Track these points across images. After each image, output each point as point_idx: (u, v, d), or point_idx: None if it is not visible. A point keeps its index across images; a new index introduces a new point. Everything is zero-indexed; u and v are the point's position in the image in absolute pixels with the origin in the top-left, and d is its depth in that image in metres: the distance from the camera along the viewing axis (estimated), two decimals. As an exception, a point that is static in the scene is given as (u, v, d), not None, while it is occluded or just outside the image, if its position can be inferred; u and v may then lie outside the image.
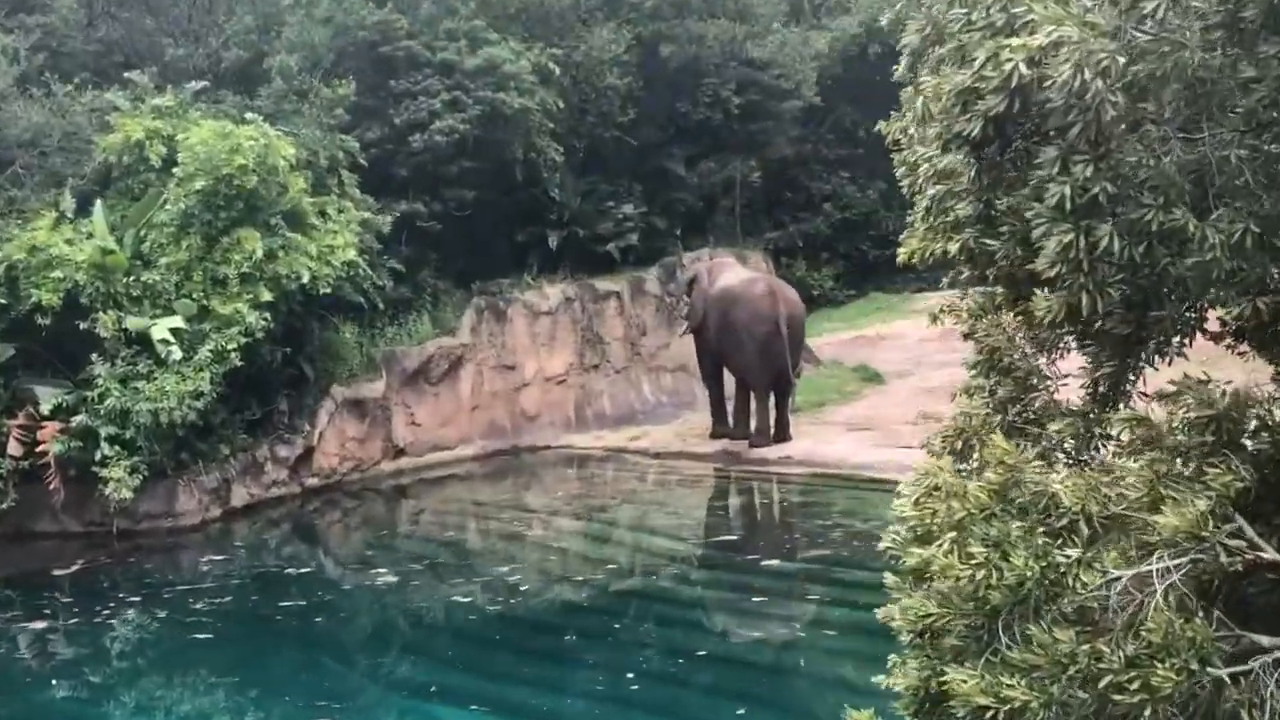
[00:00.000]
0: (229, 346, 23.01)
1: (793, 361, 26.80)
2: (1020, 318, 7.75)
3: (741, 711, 14.19)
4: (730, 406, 28.02)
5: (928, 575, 6.75)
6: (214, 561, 21.88)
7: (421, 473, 28.00)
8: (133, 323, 22.93)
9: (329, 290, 24.33)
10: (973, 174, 7.21)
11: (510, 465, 28.99)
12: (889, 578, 7.00)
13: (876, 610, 6.94)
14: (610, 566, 20.67)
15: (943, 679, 6.44)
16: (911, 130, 8.15)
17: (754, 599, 18.35)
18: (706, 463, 27.33)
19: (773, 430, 26.96)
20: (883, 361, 33.04)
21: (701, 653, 16.13)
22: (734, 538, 21.63)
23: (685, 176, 33.25)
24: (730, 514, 24.29)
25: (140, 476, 22.44)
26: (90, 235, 23.46)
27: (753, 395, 27.17)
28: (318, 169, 25.74)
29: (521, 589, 19.14)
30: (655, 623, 17.82)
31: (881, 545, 6.95)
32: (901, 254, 8.52)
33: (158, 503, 23.44)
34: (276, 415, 25.71)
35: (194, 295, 23.48)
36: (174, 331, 22.77)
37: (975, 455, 7.47)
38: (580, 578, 19.95)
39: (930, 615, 6.70)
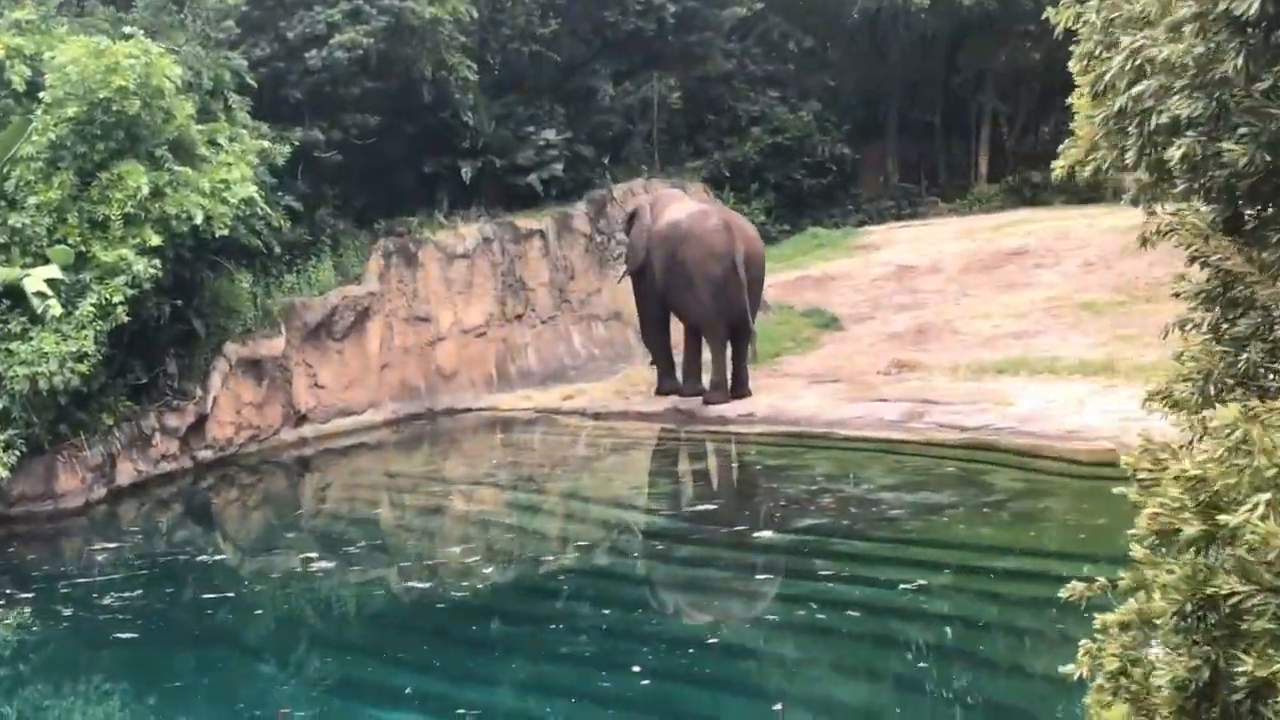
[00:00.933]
0: (114, 300, 21.50)
1: (751, 306, 25.91)
2: (1241, 240, 7.01)
3: None
4: (679, 359, 27.24)
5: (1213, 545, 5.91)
6: (106, 550, 20.37)
7: (326, 442, 26.76)
8: (1, 274, 21.48)
9: (225, 232, 22.85)
10: (1239, 62, 6.37)
11: (426, 431, 27.85)
12: (1136, 549, 6.09)
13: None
14: (578, 544, 19.65)
15: (1239, 668, 5.59)
16: (1093, 19, 7.46)
17: (756, 577, 17.50)
18: (655, 423, 26.45)
19: (729, 385, 26.21)
20: (837, 305, 32.37)
21: (712, 641, 15.16)
22: (711, 507, 20.61)
23: (614, 97, 32.22)
24: (697, 481, 23.27)
25: (16, 454, 20.91)
26: (-55, 172, 21.96)
27: (706, 345, 26.25)
28: (201, 92, 24.39)
29: (468, 574, 17.96)
30: (644, 610, 16.83)
31: (1136, 507, 6.05)
32: (1059, 166, 7.88)
33: (35, 482, 21.84)
34: (164, 379, 24.30)
35: (70, 240, 21.91)
36: (50, 283, 21.20)
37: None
38: (543, 557, 18.98)
39: (1231, 593, 5.83)
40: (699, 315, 26.10)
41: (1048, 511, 18.71)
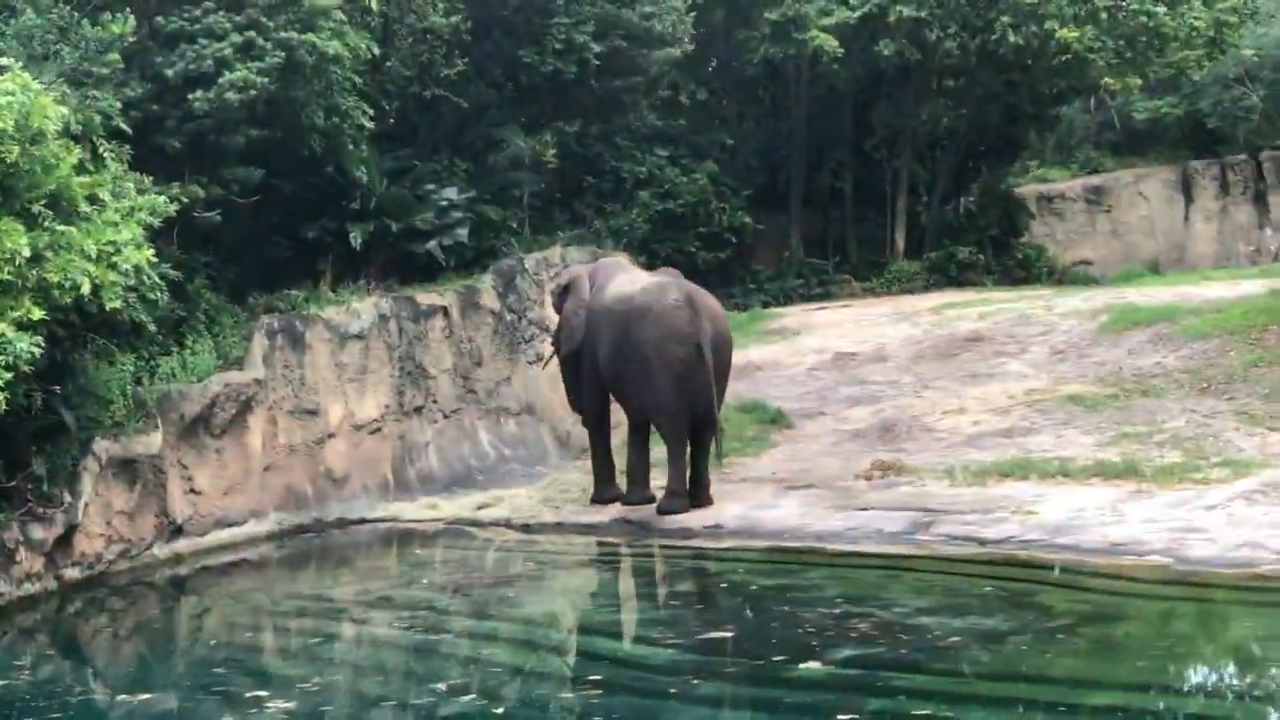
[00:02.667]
0: (-10, 384, 21.03)
1: (718, 396, 26.02)
2: None
3: None
4: (619, 461, 27.21)
5: None
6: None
7: (203, 558, 26.02)
8: None
9: (116, 304, 22.31)
10: None
11: (315, 547, 27.24)
12: None
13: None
14: (564, 680, 19.32)
15: None
16: None
17: (820, 720, 17.32)
18: (600, 536, 26.20)
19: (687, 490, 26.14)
20: (774, 398, 32.68)
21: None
22: (723, 635, 20.38)
23: (522, 150, 32.22)
24: (688, 604, 22.87)
25: (-126, 572, 20.29)
26: None
27: (666, 443, 26.15)
28: (67, 137, 23.93)
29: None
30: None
31: None
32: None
33: (-117, 609, 21.17)
34: (25, 482, 23.71)
35: (-71, 312, 21.42)
36: (-84, 363, 20.63)
37: None
38: (527, 698, 18.63)
39: None
40: (656, 408, 25.88)
41: (1130, 638, 18.71)
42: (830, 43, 41.85)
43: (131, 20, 24.64)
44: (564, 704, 17.84)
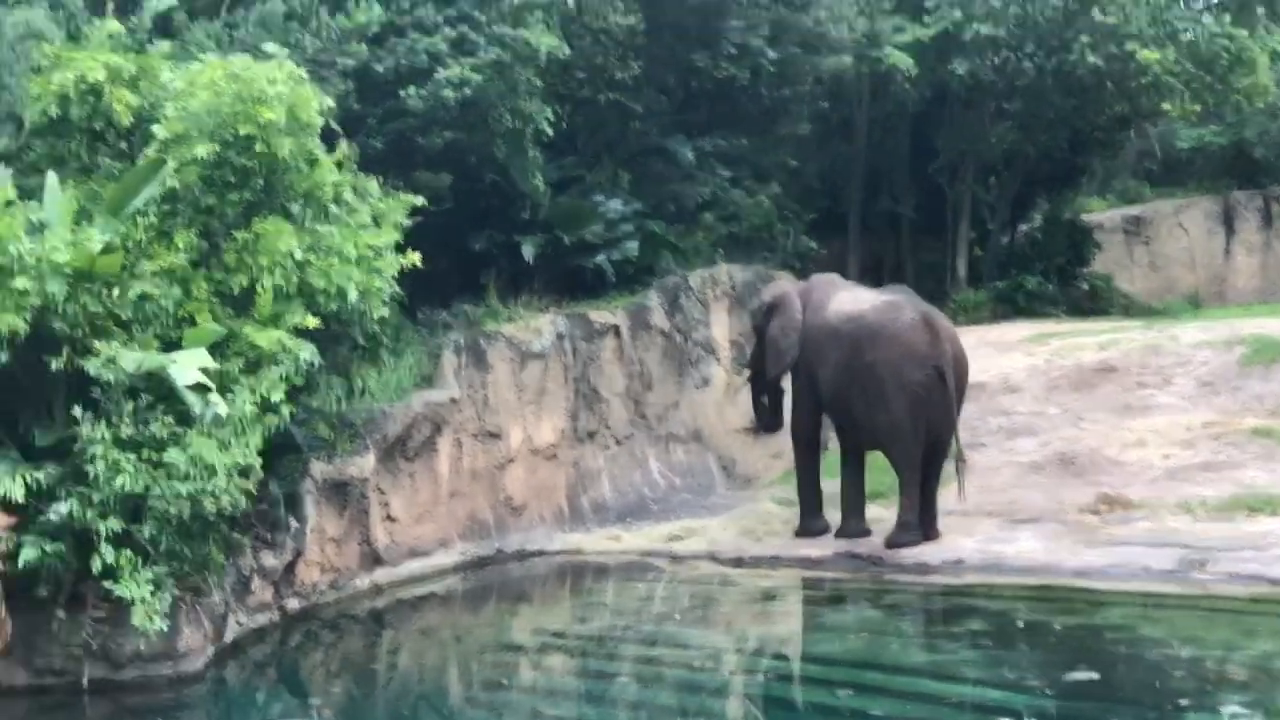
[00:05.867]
0: (273, 396, 20.47)
1: (954, 423, 25.98)
2: None
3: None
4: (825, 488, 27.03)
5: None
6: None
7: (399, 590, 25.61)
8: (134, 358, 19.93)
9: (384, 313, 22.04)
10: None
11: (498, 580, 26.89)
12: None
13: None
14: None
15: None
16: None
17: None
18: (825, 570, 25.96)
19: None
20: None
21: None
22: (1087, 677, 19.97)
23: (689, 162, 31.82)
24: (999, 642, 22.40)
25: (168, 596, 19.65)
26: (42, 226, 20.47)
27: (898, 471, 25.95)
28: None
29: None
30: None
31: None
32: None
33: (153, 638, 20.41)
34: (257, 504, 23.02)
35: (199, 318, 20.85)
36: (205, 372, 20.01)
37: None
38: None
39: None
40: (890, 434, 25.72)
41: None
42: (905, 61, 41.75)
43: (379, 9, 24.23)
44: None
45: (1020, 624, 23.20)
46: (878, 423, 25.87)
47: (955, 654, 21.77)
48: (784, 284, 28.87)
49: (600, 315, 29.78)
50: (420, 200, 23.79)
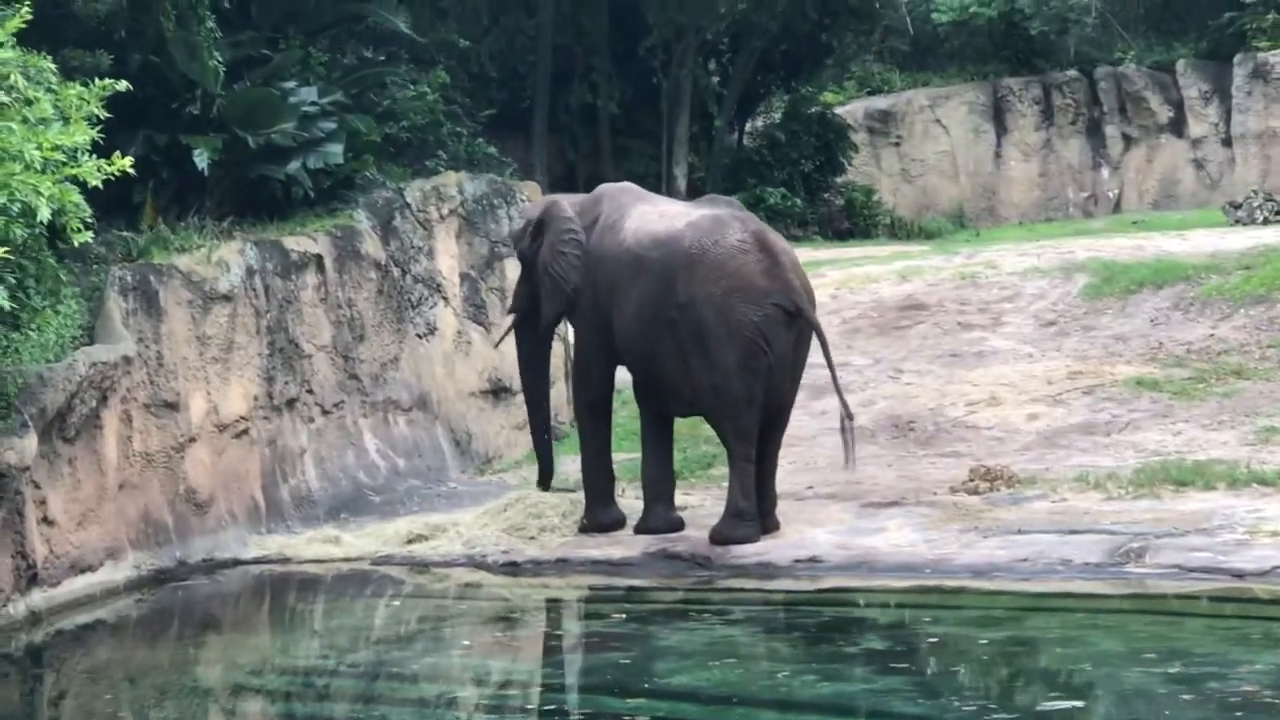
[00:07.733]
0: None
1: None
2: None
3: None
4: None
5: None
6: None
7: (59, 618, 19.76)
8: None
9: (87, 238, 18.17)
10: None
11: (182, 602, 21.34)
12: None
13: None
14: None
15: None
16: None
17: None
18: (633, 577, 20.90)
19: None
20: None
21: None
22: (1066, 705, 14.94)
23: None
24: (891, 669, 17.00)
25: None
26: None
27: (727, 445, 21.01)
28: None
29: None
30: None
31: None
32: None
33: None
34: None
35: None
36: None
37: None
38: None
39: None
40: (714, 395, 20.56)
41: None
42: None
43: None
44: None
45: (931, 640, 18.70)
46: (697, 381, 20.61)
47: (872, 683, 16.66)
48: (555, 196, 23.49)
49: (298, 242, 23.97)
50: (124, 85, 19.10)
